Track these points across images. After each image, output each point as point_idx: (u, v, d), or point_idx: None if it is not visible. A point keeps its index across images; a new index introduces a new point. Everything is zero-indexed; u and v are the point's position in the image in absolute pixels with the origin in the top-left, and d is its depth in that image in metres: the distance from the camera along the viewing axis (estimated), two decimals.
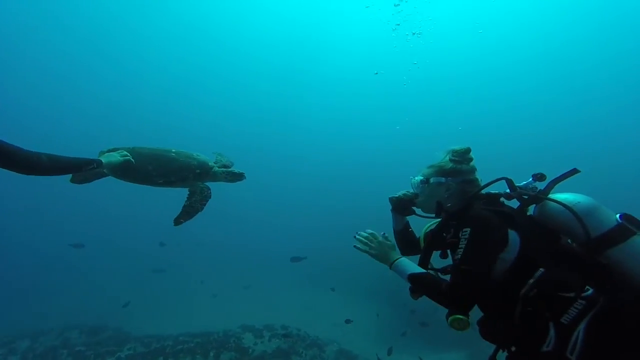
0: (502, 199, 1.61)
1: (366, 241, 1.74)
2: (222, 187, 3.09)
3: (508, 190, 1.58)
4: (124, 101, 26.65)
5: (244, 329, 9.60)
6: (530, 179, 1.55)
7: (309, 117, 28.79)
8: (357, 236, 1.76)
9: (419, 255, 1.73)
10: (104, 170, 2.56)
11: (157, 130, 25.10)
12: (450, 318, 1.42)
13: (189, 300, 12.23)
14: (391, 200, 1.96)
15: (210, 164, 2.96)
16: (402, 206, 1.92)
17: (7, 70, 23.59)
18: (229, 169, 3.06)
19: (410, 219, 2.03)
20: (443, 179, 1.69)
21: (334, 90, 27.78)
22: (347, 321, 8.71)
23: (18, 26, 22.51)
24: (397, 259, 1.65)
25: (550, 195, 1.48)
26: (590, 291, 1.29)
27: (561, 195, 1.44)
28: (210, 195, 2.86)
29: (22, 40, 23.24)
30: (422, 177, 1.77)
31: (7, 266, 15.92)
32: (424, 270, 1.57)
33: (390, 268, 1.65)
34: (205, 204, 2.80)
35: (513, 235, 1.42)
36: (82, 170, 1.99)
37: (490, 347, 1.49)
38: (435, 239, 1.69)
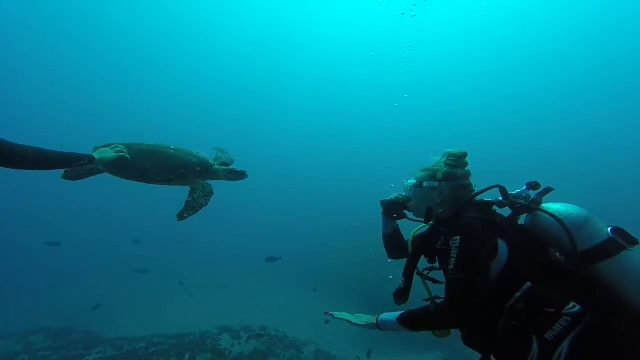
0: (494, 207, 1.56)
1: (346, 321, 1.70)
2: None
3: (501, 198, 1.53)
4: (118, 100, 26.33)
5: (221, 330, 9.37)
6: (525, 187, 1.51)
7: (291, 118, 28.74)
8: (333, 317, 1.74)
9: (406, 260, 1.68)
10: (99, 167, 2.47)
11: (145, 128, 24.79)
12: None
13: (165, 300, 11.87)
14: (382, 203, 1.90)
15: (210, 161, 2.87)
16: (393, 209, 1.86)
17: (3, 69, 23.03)
18: (230, 167, 2.98)
19: (400, 222, 1.96)
20: (436, 184, 1.63)
21: (319, 91, 27.82)
22: (326, 322, 8.66)
23: (15, 26, 22.19)
24: (378, 317, 1.59)
25: (543, 205, 1.44)
26: (577, 308, 1.25)
27: (553, 206, 1.40)
28: (213, 192, 2.77)
29: (20, 40, 22.92)
30: (415, 181, 1.71)
31: None
32: (403, 311, 1.50)
33: (378, 328, 1.59)
34: (209, 200, 2.71)
35: (502, 245, 1.38)
36: (72, 165, 1.92)
37: (466, 349, 1.50)
38: (423, 244, 1.64)
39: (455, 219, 1.50)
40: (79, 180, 2.70)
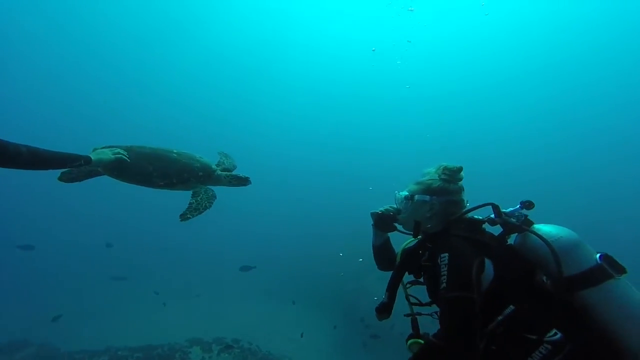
0: (485, 225, 1.51)
1: None
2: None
3: (493, 216, 1.49)
4: (120, 102, 25.81)
5: (191, 342, 8.96)
6: (518, 206, 1.46)
7: (266, 122, 28.48)
8: None
9: (391, 274, 1.65)
10: (98, 169, 2.41)
11: (146, 130, 24.16)
12: (409, 342, 1.40)
13: (135, 309, 11.25)
14: (372, 215, 1.86)
15: (213, 167, 2.85)
16: (383, 222, 1.81)
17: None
18: (232, 173, 2.95)
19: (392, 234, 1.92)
20: (428, 198, 1.58)
21: (305, 95, 27.70)
22: (302, 335, 8.44)
23: (11, 25, 21.89)
24: None
25: (534, 226, 1.40)
26: (558, 335, 1.20)
27: (545, 228, 1.37)
28: (215, 196, 2.76)
29: (16, 39, 22.62)
30: (407, 193, 1.66)
31: None
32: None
33: None
34: (212, 203, 2.69)
35: (488, 265, 1.33)
36: (68, 166, 1.88)
37: None
38: (409, 259, 1.61)
39: (443, 236, 1.46)
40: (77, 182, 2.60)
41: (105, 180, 2.66)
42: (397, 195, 1.71)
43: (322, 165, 25.75)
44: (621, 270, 1.24)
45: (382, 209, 1.83)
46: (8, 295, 11.41)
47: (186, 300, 12.15)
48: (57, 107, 25.16)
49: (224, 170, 2.95)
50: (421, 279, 1.58)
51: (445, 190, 1.58)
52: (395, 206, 1.76)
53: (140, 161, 2.52)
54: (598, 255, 1.27)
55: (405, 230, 1.73)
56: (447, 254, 1.32)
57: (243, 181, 2.92)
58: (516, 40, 22.95)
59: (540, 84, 24.65)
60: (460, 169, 1.61)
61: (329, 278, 10.55)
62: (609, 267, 1.24)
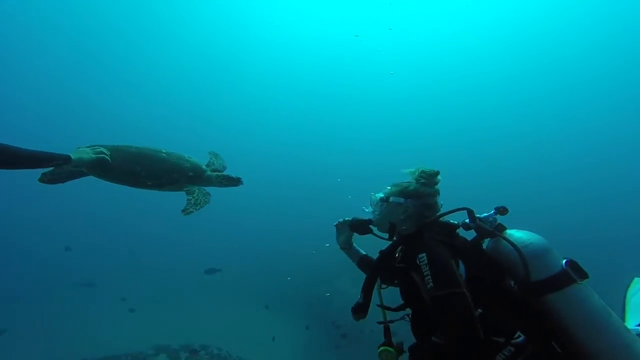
0: (459, 230, 1.53)
1: None
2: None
3: (467, 221, 1.50)
4: (109, 101, 24.88)
5: (157, 349, 8.62)
6: (492, 211, 1.48)
7: (245, 119, 28.05)
8: None
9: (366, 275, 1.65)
10: (82, 169, 2.32)
11: (134, 130, 23.44)
12: (380, 349, 1.40)
13: (98, 318, 10.61)
14: (345, 222, 1.89)
15: (203, 167, 2.78)
16: (359, 225, 1.81)
17: None
18: (224, 173, 2.86)
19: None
20: (402, 200, 1.59)
21: (263, 92, 27.19)
22: (273, 339, 8.33)
23: (6, 24, 21.17)
24: None
25: (507, 231, 1.42)
26: (522, 338, 1.23)
27: (517, 233, 1.40)
28: (209, 193, 2.69)
29: (9, 38, 21.87)
30: (382, 195, 1.67)
31: None
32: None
33: None
34: (209, 199, 2.62)
35: (460, 268, 1.35)
36: (44, 166, 1.78)
37: None
38: (383, 260, 1.62)
39: (417, 237, 1.47)
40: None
41: (100, 183, 2.54)
42: (372, 196, 1.72)
43: (292, 164, 25.43)
44: (584, 275, 1.28)
45: (348, 219, 1.87)
46: None
47: (153, 306, 11.67)
48: (46, 105, 24.16)
49: (214, 170, 2.87)
50: (395, 281, 1.59)
51: (420, 194, 1.59)
52: (371, 208, 1.75)
53: (127, 161, 2.43)
54: (564, 261, 1.31)
55: (380, 233, 1.74)
56: (425, 254, 1.33)
57: (235, 181, 2.84)
58: (495, 37, 23.32)
59: (530, 81, 24.79)
60: (437, 173, 1.62)
61: (299, 281, 10.50)
62: (573, 273, 1.27)
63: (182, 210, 2.51)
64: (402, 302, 1.59)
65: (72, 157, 1.95)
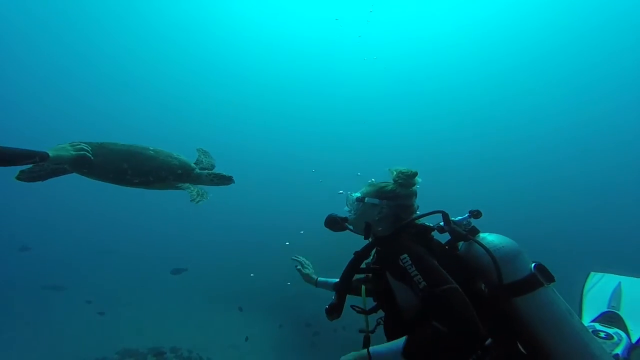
0: (433, 233, 1.53)
1: None
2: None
3: (442, 224, 1.51)
4: (96, 100, 24.51)
5: (123, 354, 8.21)
6: (467, 215, 1.49)
7: (225, 115, 27.49)
8: None
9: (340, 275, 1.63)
10: (65, 167, 2.26)
11: (121, 128, 22.97)
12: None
13: (60, 322, 9.97)
14: (326, 222, 1.84)
15: (192, 165, 2.73)
16: (334, 223, 1.79)
17: None
18: (214, 171, 2.79)
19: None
20: (378, 201, 1.58)
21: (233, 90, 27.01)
22: (246, 339, 8.17)
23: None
24: (368, 353, 1.27)
25: (480, 235, 1.44)
26: (489, 341, 1.24)
27: (489, 237, 1.40)
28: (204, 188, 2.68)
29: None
30: (359, 195, 1.66)
31: None
32: (403, 338, 1.24)
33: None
34: (206, 195, 2.59)
35: None
36: (20, 163, 1.69)
37: None
38: (358, 261, 1.60)
39: (393, 239, 1.45)
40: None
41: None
42: (349, 195, 1.70)
43: (263, 158, 25.14)
44: (551, 278, 1.30)
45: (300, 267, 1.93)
46: None
47: (122, 308, 11.16)
48: (32, 103, 23.74)
49: (202, 168, 2.81)
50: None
51: (396, 195, 1.57)
52: (347, 207, 1.73)
53: (113, 158, 2.37)
54: (533, 264, 1.32)
55: (355, 232, 1.71)
56: (407, 255, 1.31)
57: (226, 180, 2.78)
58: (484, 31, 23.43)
59: (519, 74, 24.84)
60: (415, 174, 1.59)
61: (271, 281, 10.36)
62: (541, 276, 1.29)
63: (191, 200, 2.49)
64: (375, 304, 1.59)
65: (51, 154, 1.87)
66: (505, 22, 22.57)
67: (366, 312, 1.55)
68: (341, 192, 1.75)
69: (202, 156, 2.96)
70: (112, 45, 24.08)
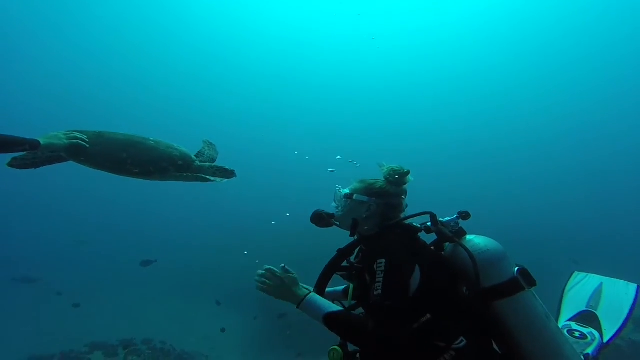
0: (420, 233, 1.49)
1: (263, 279, 1.45)
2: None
3: (429, 224, 1.47)
4: (102, 93, 24.24)
5: (92, 347, 7.85)
6: (455, 216, 1.45)
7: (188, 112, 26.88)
8: (256, 277, 1.47)
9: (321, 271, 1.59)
10: (62, 155, 2.20)
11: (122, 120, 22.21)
12: (330, 347, 1.39)
13: (31, 315, 9.46)
14: (312, 217, 1.76)
15: (193, 157, 2.66)
16: (319, 219, 1.71)
17: None
18: (216, 165, 2.72)
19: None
20: (366, 198, 1.53)
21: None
22: (222, 330, 7.99)
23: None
24: (306, 296, 1.38)
25: (466, 237, 1.40)
26: (463, 343, 1.22)
27: (476, 240, 1.37)
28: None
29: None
30: (347, 191, 1.59)
31: None
32: (340, 309, 1.33)
33: (298, 307, 1.39)
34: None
35: (416, 273, 1.31)
36: (11, 151, 1.71)
37: None
38: (340, 259, 1.54)
39: (379, 240, 1.42)
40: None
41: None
42: (337, 191, 1.64)
43: (240, 149, 25.21)
44: (533, 283, 1.28)
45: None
46: None
47: (95, 300, 10.72)
48: (34, 93, 23.18)
49: (203, 161, 2.73)
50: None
51: (386, 193, 1.52)
52: (334, 203, 1.68)
53: (112, 148, 2.32)
54: (516, 268, 1.30)
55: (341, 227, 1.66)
56: (384, 260, 1.28)
57: (229, 173, 2.68)
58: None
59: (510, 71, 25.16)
60: (407, 173, 1.54)
61: (245, 273, 10.18)
62: (523, 280, 1.27)
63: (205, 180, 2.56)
64: (354, 301, 1.55)
65: (42, 142, 1.82)
66: (492, 19, 22.89)
67: (346, 309, 1.48)
68: (331, 170, 1.64)
69: (207, 148, 2.89)
70: (117, 37, 23.89)
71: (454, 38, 24.01)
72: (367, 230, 1.52)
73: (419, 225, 1.48)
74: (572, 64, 23.88)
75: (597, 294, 1.86)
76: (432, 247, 1.46)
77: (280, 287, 1.43)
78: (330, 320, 1.28)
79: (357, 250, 1.57)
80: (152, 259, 9.22)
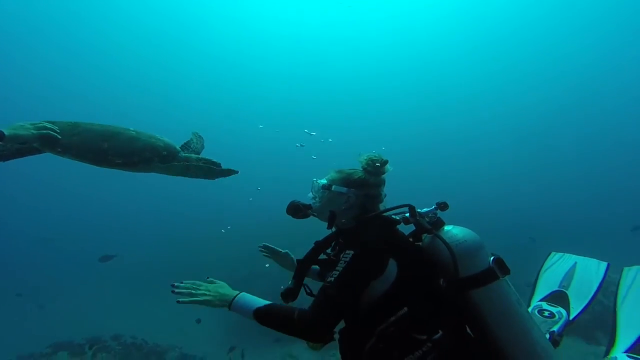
0: (399, 225, 1.45)
1: (189, 291, 1.33)
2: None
3: (407, 215, 1.43)
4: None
5: (55, 347, 7.39)
6: (433, 207, 1.42)
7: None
8: (176, 290, 1.33)
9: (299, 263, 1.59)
10: (35, 146, 2.15)
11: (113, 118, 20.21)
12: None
13: None
14: (288, 209, 1.69)
15: (177, 147, 2.63)
16: (296, 210, 1.65)
17: None
18: (201, 156, 2.67)
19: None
20: (345, 189, 1.47)
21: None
22: (198, 321, 7.77)
23: None
24: (235, 296, 1.32)
25: (444, 228, 1.38)
26: (439, 334, 1.22)
27: (453, 230, 1.36)
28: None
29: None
30: (325, 182, 1.53)
31: None
32: (268, 302, 1.30)
33: (229, 309, 1.31)
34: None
35: (392, 266, 1.28)
36: None
37: None
38: (318, 250, 1.54)
39: (355, 232, 1.39)
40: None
41: None
42: (315, 182, 1.57)
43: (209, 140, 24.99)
44: (507, 271, 1.29)
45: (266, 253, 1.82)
46: None
47: (61, 298, 10.10)
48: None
49: (189, 152, 2.71)
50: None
51: (365, 183, 1.47)
52: (310, 194, 1.61)
53: (91, 138, 2.28)
54: (492, 258, 1.30)
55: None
56: (351, 253, 1.26)
57: (214, 165, 2.65)
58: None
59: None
60: (385, 162, 1.48)
61: (221, 265, 9.94)
62: (498, 270, 1.27)
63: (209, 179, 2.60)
64: None
65: (6, 133, 1.78)
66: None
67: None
68: (301, 145, 1.51)
69: (195, 139, 2.86)
70: (104, 38, 23.44)
71: (429, 26, 24.24)
72: (345, 223, 1.49)
73: (397, 218, 1.44)
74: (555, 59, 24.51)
75: (570, 273, 1.90)
76: (410, 239, 1.44)
77: (209, 294, 1.33)
78: (258, 315, 1.26)
79: (334, 244, 1.54)
80: (112, 253, 8.84)
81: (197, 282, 1.38)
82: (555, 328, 1.70)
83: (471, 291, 1.28)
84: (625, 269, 1.85)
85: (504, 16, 22.70)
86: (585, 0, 21.26)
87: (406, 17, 23.57)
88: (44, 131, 2.02)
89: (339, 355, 1.37)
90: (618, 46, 23.07)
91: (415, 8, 23.15)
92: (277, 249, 1.87)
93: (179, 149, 2.65)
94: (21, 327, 8.55)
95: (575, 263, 1.92)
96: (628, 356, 1.58)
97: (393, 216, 1.45)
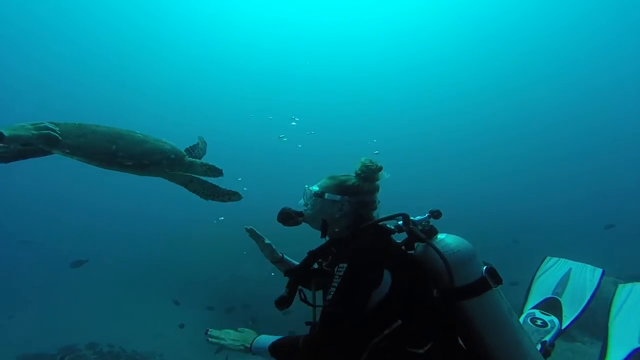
0: (393, 234, 1.39)
1: (218, 341, 1.39)
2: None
3: (401, 224, 1.37)
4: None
5: (24, 359, 6.93)
6: (427, 215, 1.36)
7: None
8: (208, 339, 1.40)
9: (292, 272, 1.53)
10: (41, 147, 2.08)
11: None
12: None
13: None
14: (279, 215, 1.62)
15: (183, 151, 2.64)
16: (287, 217, 1.59)
17: None
18: (205, 162, 2.68)
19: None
20: (339, 197, 1.41)
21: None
22: (181, 326, 7.46)
23: None
24: (254, 340, 1.36)
25: (438, 236, 1.33)
26: (432, 345, 1.19)
27: (447, 239, 1.30)
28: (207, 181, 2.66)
29: None
30: (317, 189, 1.46)
31: None
32: (279, 337, 1.30)
33: (252, 353, 1.35)
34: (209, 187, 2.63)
35: (387, 277, 1.22)
36: None
37: None
38: (312, 260, 1.46)
39: (348, 243, 1.32)
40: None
41: None
42: (306, 189, 1.52)
43: (185, 137, 24.72)
44: (499, 281, 1.26)
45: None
46: None
47: (24, 307, 9.52)
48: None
49: (193, 157, 2.71)
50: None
51: (358, 190, 1.41)
52: (302, 201, 1.56)
53: (99, 139, 2.25)
54: (484, 267, 1.26)
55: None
56: (345, 266, 1.20)
57: (219, 172, 2.66)
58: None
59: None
60: (379, 169, 1.43)
61: (204, 268, 9.63)
62: (490, 279, 1.24)
63: (202, 197, 2.59)
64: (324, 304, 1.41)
65: (6, 134, 1.80)
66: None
67: (314, 306, 1.42)
68: (282, 137, 1.35)
69: (201, 144, 2.86)
70: (104, 39, 23.35)
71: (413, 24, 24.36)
72: (339, 232, 1.43)
73: (392, 227, 1.38)
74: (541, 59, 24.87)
75: (564, 280, 1.86)
76: (403, 247, 1.38)
77: (233, 341, 1.38)
78: (272, 351, 1.28)
79: (328, 252, 1.47)
80: (84, 258, 8.50)
81: (226, 330, 1.43)
82: (547, 338, 1.67)
83: (465, 303, 1.24)
84: (620, 285, 1.84)
85: (499, 16, 22.89)
86: None
87: (405, 17, 23.81)
88: (45, 131, 2.02)
89: None
90: (607, 50, 23.57)
91: (413, 8, 23.38)
92: (262, 236, 1.80)
93: (185, 153, 2.64)
94: None
95: (570, 269, 1.87)
96: None
97: (387, 225, 1.39)
